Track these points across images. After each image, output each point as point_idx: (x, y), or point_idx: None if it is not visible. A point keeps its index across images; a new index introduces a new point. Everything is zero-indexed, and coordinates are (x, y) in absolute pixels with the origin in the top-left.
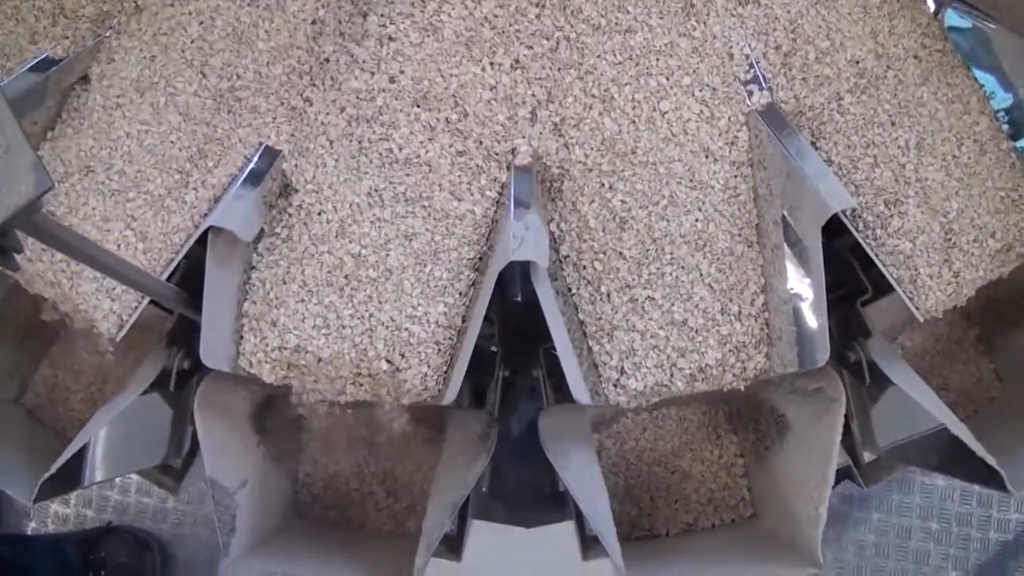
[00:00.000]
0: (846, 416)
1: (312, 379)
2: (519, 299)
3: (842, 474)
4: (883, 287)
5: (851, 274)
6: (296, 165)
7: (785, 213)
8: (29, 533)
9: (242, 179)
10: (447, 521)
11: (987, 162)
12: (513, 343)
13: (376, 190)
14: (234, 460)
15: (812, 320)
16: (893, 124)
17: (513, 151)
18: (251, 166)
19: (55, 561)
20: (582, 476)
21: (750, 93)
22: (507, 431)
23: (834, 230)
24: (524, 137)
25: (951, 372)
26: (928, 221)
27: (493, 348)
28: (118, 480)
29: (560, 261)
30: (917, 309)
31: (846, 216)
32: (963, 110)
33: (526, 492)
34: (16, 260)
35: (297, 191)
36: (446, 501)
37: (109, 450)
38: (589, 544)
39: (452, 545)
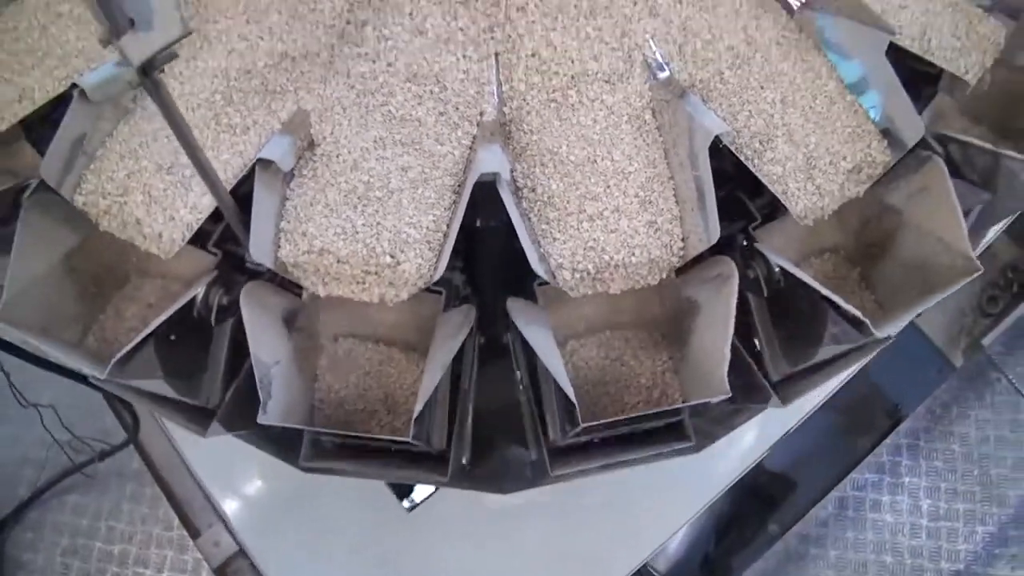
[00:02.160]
0: (753, 335)
1: (334, 278)
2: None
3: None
4: (767, 218)
5: (743, 210)
6: (318, 128)
7: (695, 176)
8: None
9: (279, 131)
10: (439, 375)
11: (836, 110)
12: (487, 313)
13: (380, 139)
14: (269, 343)
15: (706, 208)
16: (762, 88)
17: (481, 113)
18: (283, 122)
19: None
20: (541, 341)
21: (657, 73)
22: (484, 403)
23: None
24: (489, 105)
25: None
26: (793, 152)
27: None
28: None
29: (520, 192)
30: (792, 215)
31: (731, 150)
32: (815, 76)
33: (504, 465)
34: (168, 96)
35: (319, 144)
36: (437, 363)
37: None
38: (557, 462)
39: (441, 469)
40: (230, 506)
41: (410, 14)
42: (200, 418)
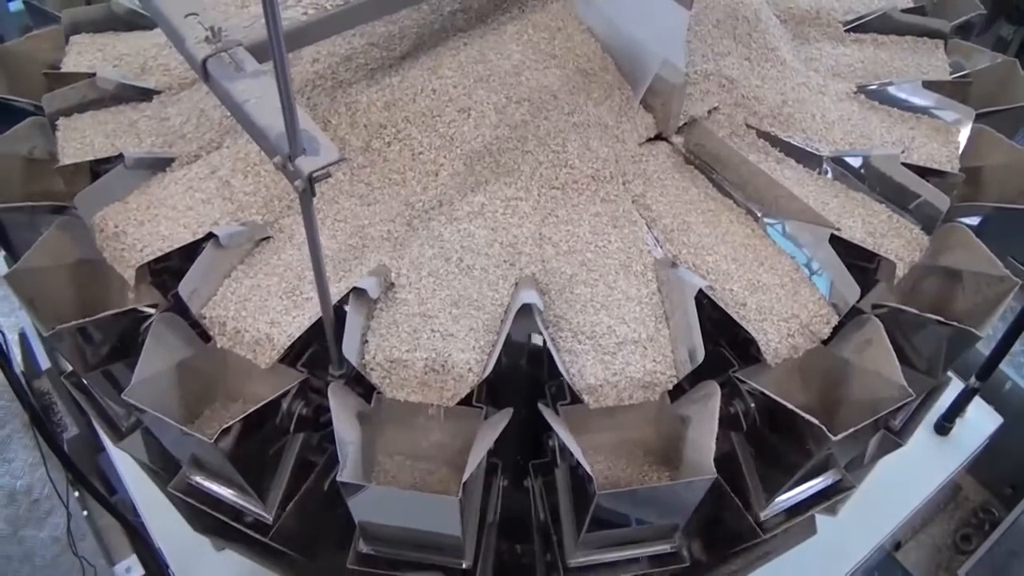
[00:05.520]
0: (742, 474)
1: (404, 386)
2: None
3: None
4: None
5: (724, 363)
6: (395, 278)
7: (684, 317)
8: None
9: (369, 273)
10: (485, 449)
11: (794, 283)
12: (511, 446)
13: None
14: (349, 425)
15: (692, 340)
16: (738, 268)
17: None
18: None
19: None
20: (562, 430)
21: (655, 250)
22: (501, 539)
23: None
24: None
25: None
26: (761, 311)
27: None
28: None
29: (550, 327)
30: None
31: (714, 303)
32: (777, 260)
33: None
34: (313, 209)
35: (398, 290)
36: (484, 440)
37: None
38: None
39: None
40: None
41: (459, 259)
42: (259, 528)
